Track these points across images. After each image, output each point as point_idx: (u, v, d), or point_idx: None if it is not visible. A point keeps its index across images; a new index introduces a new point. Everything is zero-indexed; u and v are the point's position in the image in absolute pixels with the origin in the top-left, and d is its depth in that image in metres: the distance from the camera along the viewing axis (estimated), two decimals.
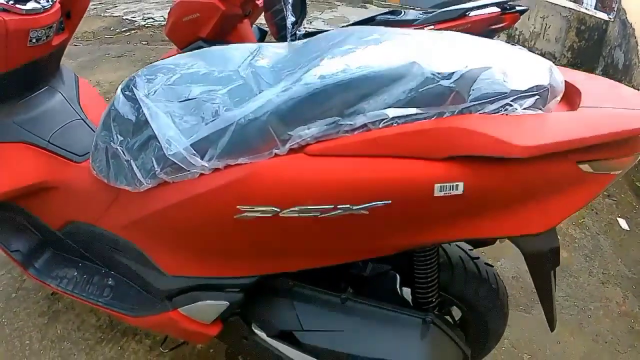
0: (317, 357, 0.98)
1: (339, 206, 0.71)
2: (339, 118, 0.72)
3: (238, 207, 0.76)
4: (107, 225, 1.19)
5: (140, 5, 6.36)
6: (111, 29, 5.26)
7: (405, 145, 0.70)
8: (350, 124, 0.72)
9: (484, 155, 0.65)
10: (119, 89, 1.02)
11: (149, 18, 5.76)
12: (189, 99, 0.92)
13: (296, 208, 0.73)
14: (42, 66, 1.35)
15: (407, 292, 1.07)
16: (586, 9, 4.01)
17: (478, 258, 1.10)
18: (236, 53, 1.02)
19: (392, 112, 0.70)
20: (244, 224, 0.78)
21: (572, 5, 4.08)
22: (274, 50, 1.01)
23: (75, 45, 4.51)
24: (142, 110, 0.93)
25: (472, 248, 1.12)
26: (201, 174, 0.83)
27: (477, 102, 0.70)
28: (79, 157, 1.29)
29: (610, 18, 3.70)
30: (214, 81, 0.92)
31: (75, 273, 1.39)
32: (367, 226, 0.75)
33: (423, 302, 0.97)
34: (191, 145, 0.83)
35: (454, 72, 0.70)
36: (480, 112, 0.71)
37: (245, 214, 0.76)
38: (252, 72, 0.92)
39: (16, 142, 1.29)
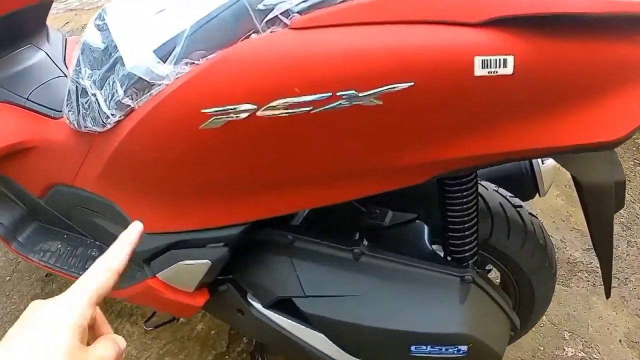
0: (324, 332, 0.73)
1: (338, 93, 0.46)
2: None
3: (202, 111, 0.51)
4: (83, 182, 0.96)
5: None
6: None
7: (425, 6, 0.45)
8: None
9: (537, 16, 0.42)
10: (90, 21, 0.81)
11: None
12: (162, 10, 0.69)
13: (279, 102, 0.47)
14: (24, 20, 1.17)
15: (437, 251, 0.81)
16: None
17: (521, 207, 0.83)
18: None
19: None
20: (213, 136, 0.53)
21: None
22: None
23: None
24: (111, 34, 0.71)
25: (513, 195, 0.85)
26: (167, 86, 0.59)
27: None
28: (58, 113, 1.08)
29: None
30: None
31: (60, 245, 1.20)
32: (382, 127, 0.49)
33: (458, 254, 0.69)
34: (154, 51, 0.60)
35: None
36: None
37: (212, 119, 0.51)
38: None
39: None
